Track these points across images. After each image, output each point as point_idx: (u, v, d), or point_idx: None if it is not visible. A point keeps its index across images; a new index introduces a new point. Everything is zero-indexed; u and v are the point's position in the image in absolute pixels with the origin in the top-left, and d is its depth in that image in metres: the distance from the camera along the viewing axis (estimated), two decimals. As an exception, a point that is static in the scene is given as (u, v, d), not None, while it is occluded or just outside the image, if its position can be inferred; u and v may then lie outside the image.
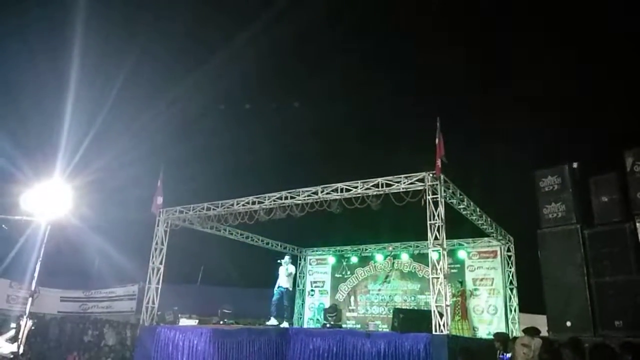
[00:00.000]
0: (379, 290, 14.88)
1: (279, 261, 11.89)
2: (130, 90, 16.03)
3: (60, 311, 17.68)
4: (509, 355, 6.90)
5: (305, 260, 16.55)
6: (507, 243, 13.00)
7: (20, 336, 5.42)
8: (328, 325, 11.53)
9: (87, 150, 13.02)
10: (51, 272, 15.42)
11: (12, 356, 5.34)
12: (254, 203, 10.91)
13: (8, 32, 14.54)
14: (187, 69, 17.42)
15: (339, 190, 9.85)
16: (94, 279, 19.31)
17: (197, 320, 11.44)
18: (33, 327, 5.74)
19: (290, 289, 11.87)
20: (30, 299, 5.41)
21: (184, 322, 10.93)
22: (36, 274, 5.41)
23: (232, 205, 11.18)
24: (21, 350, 5.43)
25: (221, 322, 11.78)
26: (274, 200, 10.62)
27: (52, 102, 13.91)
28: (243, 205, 11.04)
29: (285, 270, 11.54)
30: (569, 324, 7.08)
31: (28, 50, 14.90)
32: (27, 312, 5.42)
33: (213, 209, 11.41)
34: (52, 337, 15.70)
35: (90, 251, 16.88)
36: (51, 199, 5.42)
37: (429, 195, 8.79)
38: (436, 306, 8.20)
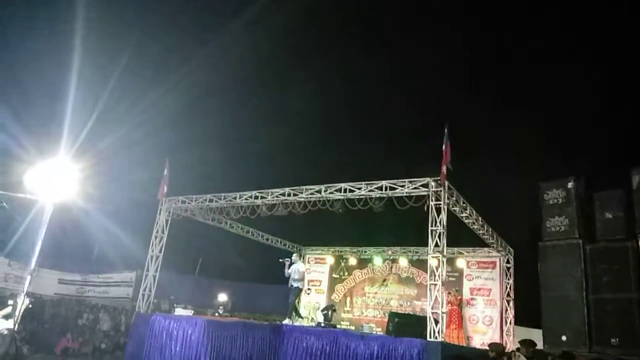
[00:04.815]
0: (376, 293, 14.87)
1: (285, 259, 10.98)
2: (134, 69, 15.96)
3: (57, 293, 17.72)
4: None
5: (303, 258, 16.53)
6: (507, 255, 12.96)
7: (16, 314, 5.44)
8: (323, 325, 11.50)
9: (93, 129, 12.95)
10: (51, 254, 15.47)
11: (6, 332, 5.36)
12: (256, 197, 10.90)
13: (11, 8, 14.52)
14: (193, 49, 17.35)
15: (342, 191, 9.82)
16: (93, 263, 19.36)
17: (192, 311, 11.44)
18: (30, 306, 5.77)
19: (302, 287, 11.57)
20: (28, 277, 5.43)
21: (179, 311, 10.92)
22: (36, 254, 5.43)
23: (235, 198, 11.17)
24: (16, 328, 5.45)
25: (216, 314, 11.78)
26: (277, 196, 10.61)
27: (56, 78, 13.77)
28: (246, 199, 11.03)
29: (297, 270, 10.90)
30: (564, 338, 7.04)
31: (31, 27, 14.86)
32: (24, 290, 5.44)
33: (215, 201, 11.40)
34: (47, 318, 15.74)
35: (91, 234, 16.87)
36: (56, 179, 5.42)
37: (432, 201, 8.74)
38: (432, 312, 8.19)
